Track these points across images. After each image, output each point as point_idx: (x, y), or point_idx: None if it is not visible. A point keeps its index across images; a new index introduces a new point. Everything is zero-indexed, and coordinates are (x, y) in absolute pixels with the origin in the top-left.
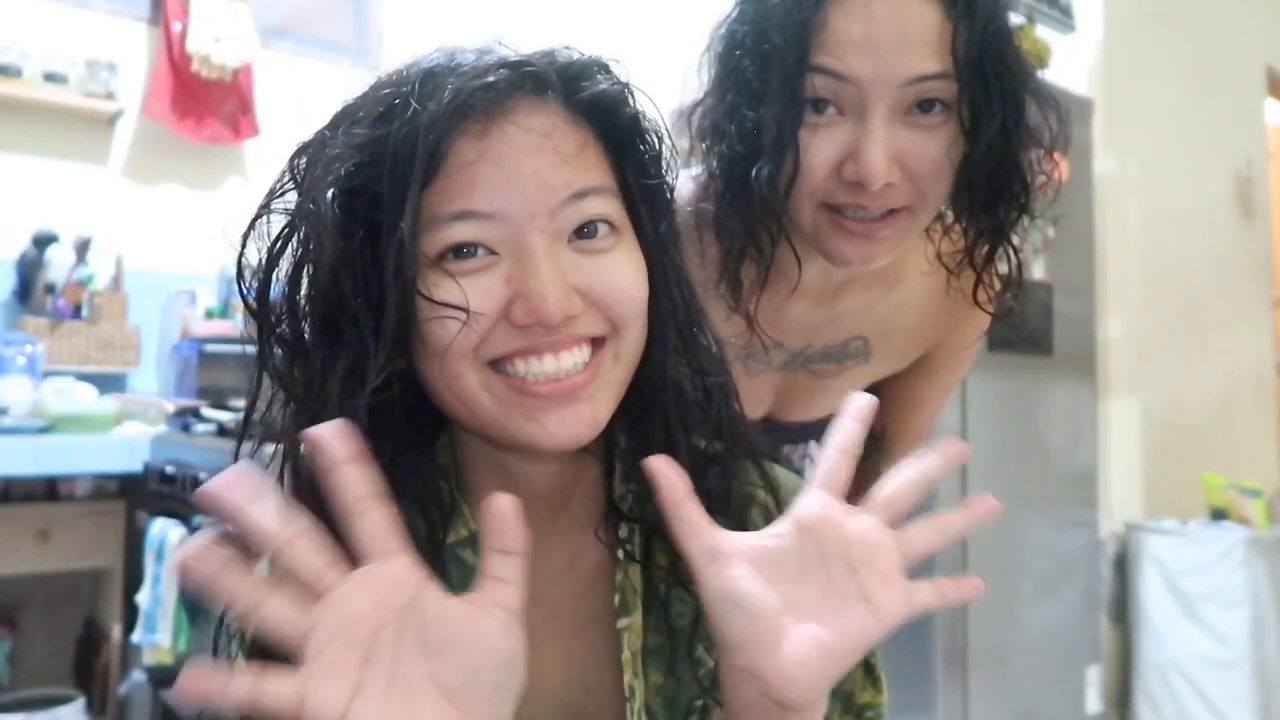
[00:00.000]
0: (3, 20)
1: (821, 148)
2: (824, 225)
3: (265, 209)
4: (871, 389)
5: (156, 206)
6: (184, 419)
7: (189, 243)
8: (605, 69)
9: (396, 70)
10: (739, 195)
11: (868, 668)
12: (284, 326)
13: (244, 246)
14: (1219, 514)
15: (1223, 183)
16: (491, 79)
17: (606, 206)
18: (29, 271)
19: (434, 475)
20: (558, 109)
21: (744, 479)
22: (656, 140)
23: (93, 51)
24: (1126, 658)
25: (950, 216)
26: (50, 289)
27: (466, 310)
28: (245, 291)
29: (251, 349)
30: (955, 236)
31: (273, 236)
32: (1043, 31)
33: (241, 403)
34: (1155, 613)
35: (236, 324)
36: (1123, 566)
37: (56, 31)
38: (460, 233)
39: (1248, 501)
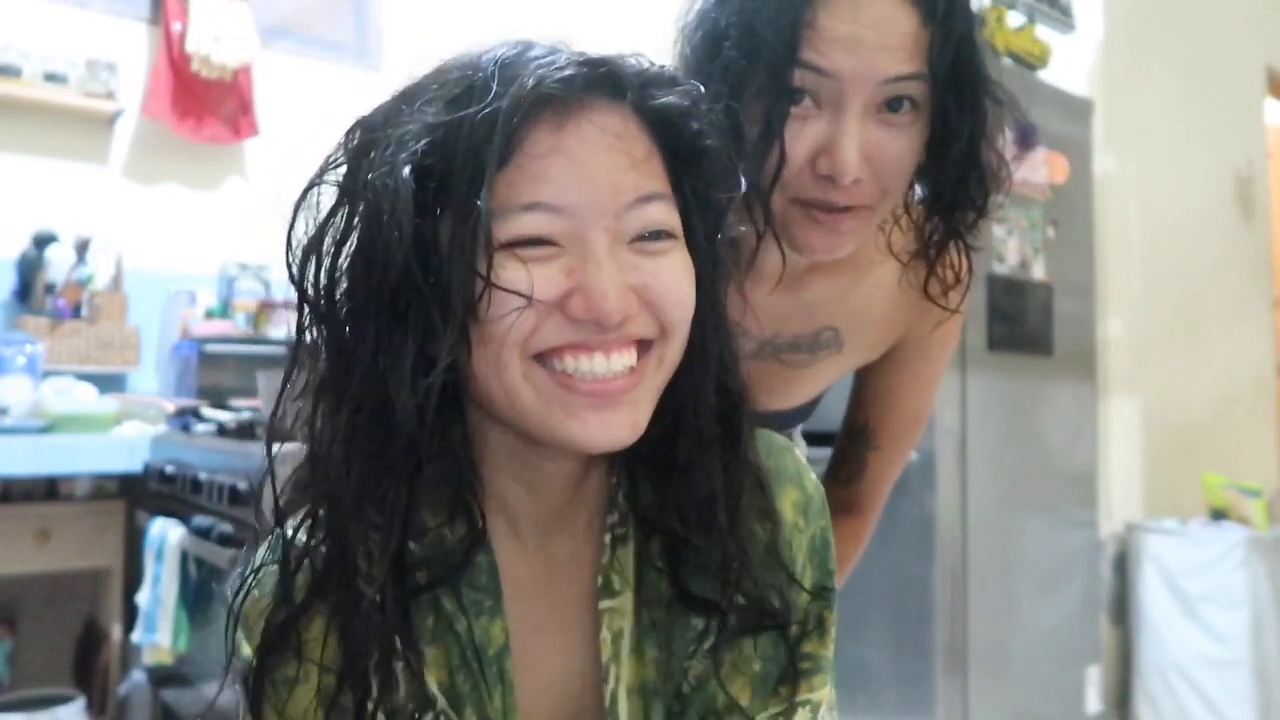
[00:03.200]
0: (3, 20)
1: (797, 139)
2: (795, 217)
3: (318, 180)
4: (853, 385)
5: (156, 206)
6: (184, 419)
7: (189, 243)
8: (675, 82)
9: (463, 57)
10: None
11: (819, 620)
12: (324, 304)
13: (295, 218)
14: (1219, 514)
15: (1223, 183)
16: (570, 73)
17: (667, 215)
18: (29, 271)
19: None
20: (629, 113)
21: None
22: (720, 158)
23: (93, 51)
24: (1126, 658)
25: (905, 211)
26: (50, 289)
27: (528, 296)
28: (291, 263)
29: (251, 349)
30: (906, 227)
31: (322, 210)
32: (1043, 31)
33: (241, 402)
34: (1155, 613)
35: (236, 324)
36: (1123, 566)
37: (56, 31)
38: (529, 224)
39: (1248, 501)
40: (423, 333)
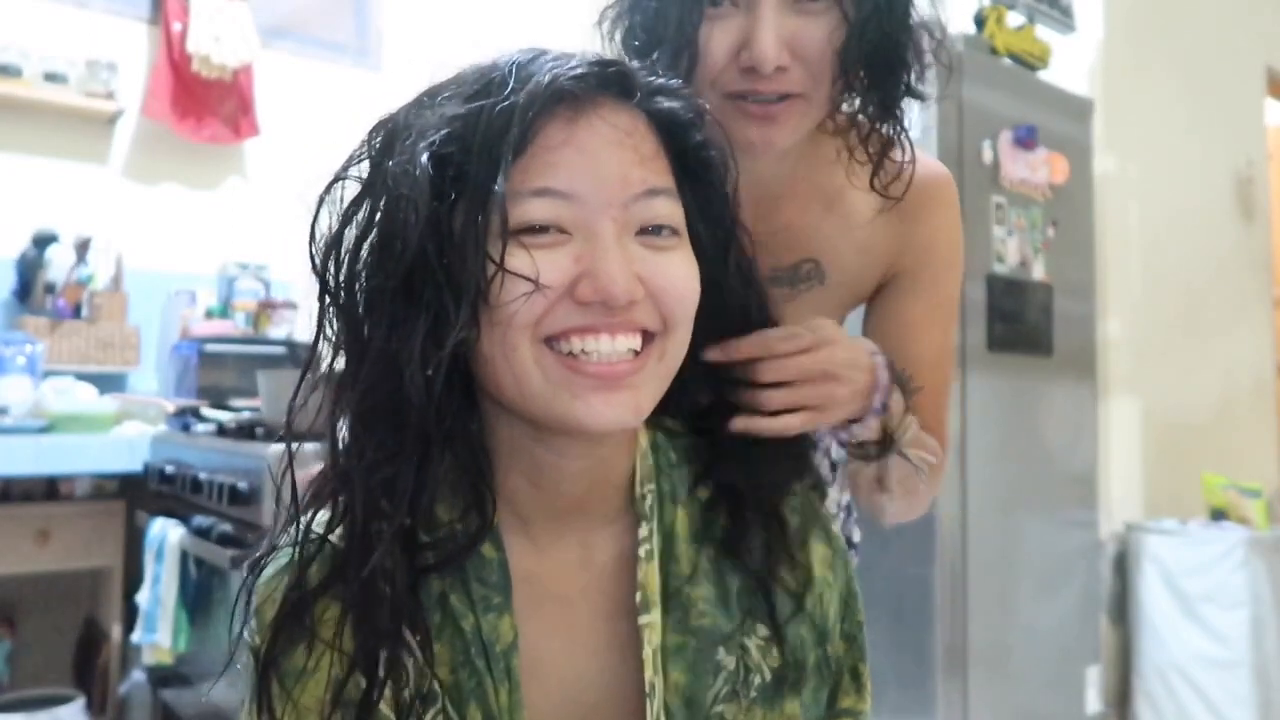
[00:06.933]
0: (3, 20)
1: (718, 38)
2: (729, 111)
3: (343, 175)
4: (867, 331)
5: (156, 206)
6: (184, 419)
7: (189, 243)
8: (681, 94)
9: (480, 62)
10: None
11: (855, 674)
12: (343, 293)
13: (318, 211)
14: (1219, 514)
15: (1223, 183)
16: (584, 71)
17: (672, 211)
18: (29, 271)
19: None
20: (638, 113)
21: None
22: (722, 170)
23: (93, 51)
24: (1126, 658)
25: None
26: (50, 289)
27: (536, 281)
28: (314, 254)
29: (251, 349)
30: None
31: (344, 204)
32: (1043, 31)
33: (241, 402)
34: (1155, 613)
35: (236, 324)
36: (1123, 566)
37: (56, 31)
38: (538, 210)
39: (1248, 501)
40: (434, 314)
